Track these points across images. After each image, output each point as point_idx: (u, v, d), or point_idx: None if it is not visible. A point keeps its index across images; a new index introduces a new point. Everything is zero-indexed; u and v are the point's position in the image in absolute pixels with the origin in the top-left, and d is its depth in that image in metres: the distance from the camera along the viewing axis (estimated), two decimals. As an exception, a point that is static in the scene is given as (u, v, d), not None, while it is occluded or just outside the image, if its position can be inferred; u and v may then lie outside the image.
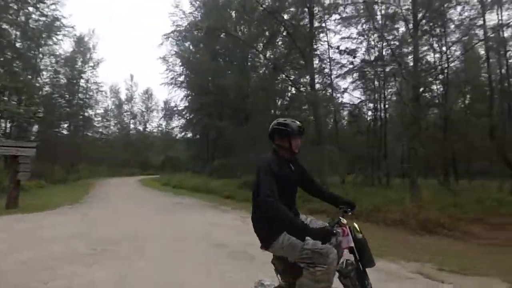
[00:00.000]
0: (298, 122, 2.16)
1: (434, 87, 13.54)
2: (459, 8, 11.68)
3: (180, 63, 23.81)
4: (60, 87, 24.77)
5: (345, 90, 14.68)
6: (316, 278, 1.85)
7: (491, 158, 11.74)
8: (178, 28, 19.32)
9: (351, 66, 13.74)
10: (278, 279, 2.19)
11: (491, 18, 11.33)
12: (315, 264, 1.86)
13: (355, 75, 14.26)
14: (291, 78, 14.35)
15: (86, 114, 29.55)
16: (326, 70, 14.50)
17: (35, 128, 21.30)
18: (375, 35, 13.37)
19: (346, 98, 29.69)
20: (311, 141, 11.35)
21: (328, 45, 14.17)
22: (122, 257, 4.56)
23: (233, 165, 15.56)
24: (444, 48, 12.62)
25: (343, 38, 14.05)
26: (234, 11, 16.10)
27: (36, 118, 17.45)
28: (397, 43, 12.46)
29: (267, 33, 14.53)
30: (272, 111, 16.12)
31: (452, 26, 12.02)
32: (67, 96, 26.07)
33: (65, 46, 29.55)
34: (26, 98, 17.68)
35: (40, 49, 20.10)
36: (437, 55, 13.10)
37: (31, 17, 17.91)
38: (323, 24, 13.85)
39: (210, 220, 7.95)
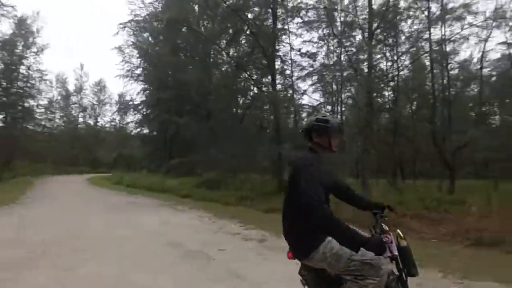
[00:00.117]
0: (337, 119, 2.02)
1: (386, 93, 14.59)
2: (409, 21, 12.77)
3: (138, 55, 22.63)
4: (-5, 73, 22.00)
5: (305, 92, 15.13)
6: None
7: (433, 160, 12.96)
8: (136, 18, 18.33)
9: (311, 69, 14.21)
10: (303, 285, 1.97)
11: (436, 33, 12.50)
12: (365, 277, 1.68)
13: (315, 78, 14.78)
14: (254, 78, 14.38)
15: (26, 104, 26.59)
16: (288, 72, 14.82)
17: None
18: (334, 40, 13.95)
19: (306, 100, 30.77)
20: (270, 140, 11.49)
21: (290, 47, 14.47)
22: (62, 261, 4.15)
23: (193, 163, 15.12)
24: (395, 57, 13.60)
25: (304, 41, 14.46)
26: (197, 5, 15.66)
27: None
28: (354, 50, 13.16)
29: (230, 31, 14.38)
30: (234, 109, 16.02)
31: (403, 38, 13.07)
32: (4, 83, 23.21)
33: (3, 27, 26.33)
34: None
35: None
36: (389, 64, 14.09)
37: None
38: (286, 27, 14.12)
39: (165, 220, 7.62)
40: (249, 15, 13.18)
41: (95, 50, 72.81)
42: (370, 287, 1.67)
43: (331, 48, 14.46)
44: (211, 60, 16.09)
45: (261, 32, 12.63)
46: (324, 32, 14.06)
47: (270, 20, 13.28)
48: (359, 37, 13.35)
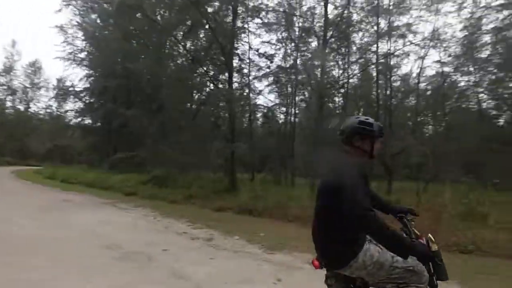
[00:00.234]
0: (378, 122, 1.86)
1: (336, 99, 15.45)
2: (360, 33, 13.74)
3: (83, 37, 20.62)
4: None
5: (260, 92, 15.29)
6: None
7: (375, 162, 14.06)
8: (84, -4, 16.64)
9: (268, 70, 14.42)
10: None
11: (383, 47, 13.63)
12: (408, 284, 1.61)
13: (271, 79, 15.02)
14: (210, 74, 14.07)
15: None
16: (245, 71, 14.82)
17: None
18: (292, 44, 14.33)
19: (261, 100, 31.19)
20: (224, 138, 11.35)
21: (249, 46, 14.50)
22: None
23: (140, 158, 14.18)
24: (346, 66, 14.47)
25: (263, 42, 14.59)
26: (153, -9, 14.78)
27: None
28: (309, 55, 13.67)
29: (188, 23, 13.87)
30: (188, 104, 15.47)
31: (354, 48, 13.99)
32: None
33: None
34: None
35: None
36: (340, 71, 14.93)
37: None
38: (246, 25, 14.10)
39: (105, 219, 7.00)
40: (209, 9, 12.86)
41: (31, 27, 64.66)
42: None
43: (288, 51, 14.82)
44: (166, 51, 15.32)
45: (220, 28, 12.41)
46: (283, 35, 14.39)
47: (230, 17, 13.13)
48: (314, 43, 13.94)
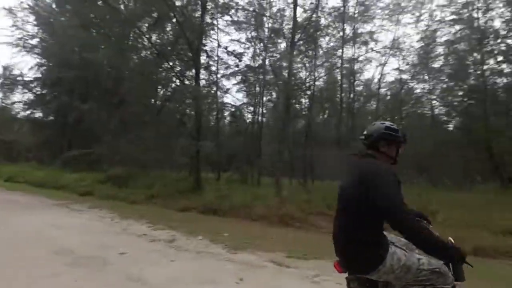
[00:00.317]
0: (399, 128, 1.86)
1: (303, 100, 15.79)
2: (327, 38, 14.19)
3: (35, 22, 18.85)
4: None
5: (227, 90, 15.16)
6: None
7: (338, 163, 14.60)
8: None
9: (236, 68, 14.32)
10: None
11: (347, 52, 14.22)
12: (435, 286, 1.61)
13: (239, 77, 14.95)
14: (177, 69, 13.60)
15: None
16: (213, 68, 14.57)
17: None
18: (261, 44, 14.37)
19: (229, 99, 31.02)
20: (190, 136, 11.04)
21: (218, 44, 14.28)
22: None
23: (98, 156, 13.21)
24: (313, 69, 14.85)
25: (232, 40, 14.53)
26: (116, -21, 13.93)
27: None
28: (277, 56, 13.81)
29: (154, 15, 13.26)
30: (153, 100, 14.81)
31: (321, 52, 14.40)
32: None
33: None
34: None
35: None
36: (307, 74, 15.30)
37: None
38: (215, 22, 13.85)
39: (56, 222, 6.44)
40: (177, 3, 12.42)
41: (-26, 8, 57.75)
42: None
43: (257, 51, 14.84)
44: (130, 43, 14.51)
45: (188, 22, 12.02)
46: (252, 34, 14.38)
47: (199, 13, 12.80)
48: (283, 45, 14.12)
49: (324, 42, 14.37)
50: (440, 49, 16.04)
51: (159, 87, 14.80)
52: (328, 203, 8.06)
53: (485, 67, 14.48)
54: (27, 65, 20.37)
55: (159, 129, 11.83)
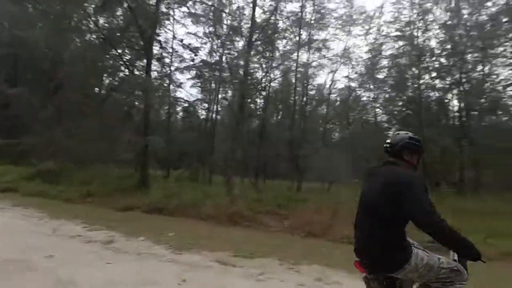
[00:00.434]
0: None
1: (258, 100, 15.93)
2: (284, 41, 14.51)
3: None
4: None
5: (181, 84, 14.58)
6: None
7: (289, 163, 15.02)
8: None
9: (191, 62, 13.85)
10: None
11: (303, 57, 14.70)
12: (453, 283, 1.77)
13: (194, 72, 14.50)
14: (126, 58, 12.65)
15: None
16: (167, 60, 13.90)
17: None
18: (218, 40, 14.11)
19: (183, 93, 30.04)
20: (138, 130, 10.34)
21: (173, 36, 13.66)
22: None
23: (25, 147, 11.52)
24: (269, 70, 15.06)
25: (189, 33, 13.96)
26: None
27: None
28: (235, 54, 13.69)
29: (103, -4, 12.14)
30: (97, 89, 13.56)
31: (277, 54, 14.67)
32: None
33: None
34: None
35: None
36: (263, 74, 15.44)
37: None
38: (171, 12, 13.22)
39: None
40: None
41: None
42: None
43: (214, 47, 14.56)
44: (72, 23, 13.08)
45: (141, 9, 11.25)
46: (210, 29, 14.05)
47: (154, 0, 12.08)
48: (242, 43, 14.06)
49: (281, 44, 14.69)
50: (384, 62, 17.56)
51: (105, 75, 13.60)
52: (278, 203, 8.21)
53: (421, 81, 16.22)
54: None
55: (102, 121, 10.81)
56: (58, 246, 4.46)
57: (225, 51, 13.37)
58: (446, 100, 16.43)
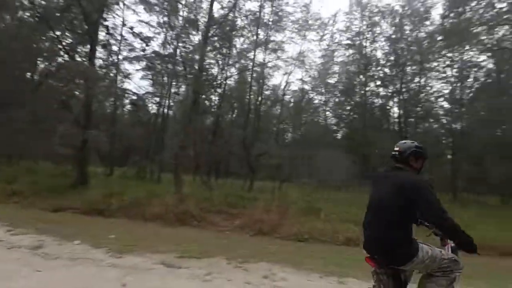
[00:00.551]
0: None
1: (213, 97, 15.65)
2: (241, 39, 14.44)
3: None
4: None
5: (128, 76, 13.66)
6: (454, 282, 2.04)
7: (242, 162, 15.01)
8: None
9: (142, 53, 13.04)
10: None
11: (259, 57, 14.82)
12: (452, 271, 2.03)
13: (145, 63, 13.67)
14: (66, 41, 11.37)
15: None
16: (115, 48, 12.86)
17: None
18: (173, 32, 13.50)
19: (132, 85, 28.20)
20: (77, 122, 9.35)
21: (123, 22, 12.70)
22: None
23: None
24: (225, 67, 14.88)
25: (141, 21, 13.11)
26: None
27: None
28: (190, 48, 13.21)
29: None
30: (29, 74, 11.93)
31: (234, 51, 14.56)
32: None
33: None
34: None
35: None
36: (219, 71, 15.22)
37: None
38: (121, -4, 12.23)
39: None
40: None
41: None
42: (456, 278, 2.05)
43: (169, 38, 13.89)
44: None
45: (85, -11, 10.20)
46: (164, 19, 13.36)
47: (103, -18, 11.05)
48: (198, 37, 13.61)
49: (238, 42, 14.60)
50: (336, 68, 18.59)
51: (40, 59, 12.04)
52: (230, 202, 8.12)
53: (367, 88, 17.56)
54: None
55: (35, 110, 9.48)
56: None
57: (180, 44, 12.84)
58: (388, 107, 18.06)
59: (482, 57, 14.14)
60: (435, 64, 15.56)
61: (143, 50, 13.01)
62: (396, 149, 2.22)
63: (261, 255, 4.60)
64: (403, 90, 16.56)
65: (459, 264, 2.08)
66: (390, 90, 17.45)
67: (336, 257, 4.78)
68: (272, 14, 14.84)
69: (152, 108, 15.65)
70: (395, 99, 17.42)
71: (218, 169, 15.70)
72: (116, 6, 12.27)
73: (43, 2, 11.40)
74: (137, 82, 28.10)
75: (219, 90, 14.56)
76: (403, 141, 2.29)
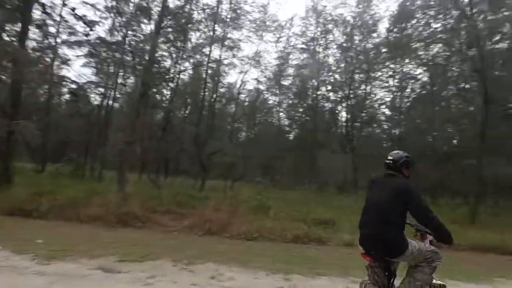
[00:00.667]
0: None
1: (164, 91, 14.91)
2: (197, 33, 14.00)
3: None
4: None
5: (68, 61, 12.31)
6: (435, 270, 2.39)
7: (194, 160, 14.58)
8: None
9: (85, 38, 11.84)
10: (374, 279, 2.40)
11: (215, 53, 14.53)
12: (434, 261, 2.37)
13: (87, 50, 12.44)
14: (-9, 18, 9.80)
15: None
16: (52, 30, 11.46)
17: None
18: (122, 18, 12.54)
19: (71, 73, 25.57)
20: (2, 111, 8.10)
21: (63, 1, 11.39)
22: None
23: None
24: (179, 61, 14.29)
25: (85, 2, 11.89)
26: None
27: None
28: (141, 37, 12.41)
29: None
30: None
31: (189, 45, 14.04)
32: None
33: None
34: None
35: None
36: (172, 64, 14.57)
37: None
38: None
39: None
40: None
41: None
42: (437, 266, 2.39)
43: (117, 25, 12.85)
44: None
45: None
46: (113, 4, 12.31)
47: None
48: (151, 27, 12.82)
49: (194, 36, 14.14)
50: (290, 70, 19.15)
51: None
52: (179, 201, 7.79)
53: (319, 92, 18.42)
54: None
55: None
56: None
57: (130, 32, 11.98)
58: (336, 111, 19.21)
59: (419, 70, 15.85)
60: (379, 73, 16.99)
61: (86, 35, 11.83)
62: (390, 158, 2.54)
63: (209, 255, 4.49)
64: (351, 96, 17.77)
65: (439, 255, 2.42)
66: (339, 95, 18.58)
67: (284, 255, 4.88)
68: (230, 11, 14.69)
69: (95, 99, 14.32)
70: (344, 104, 18.60)
71: (167, 167, 15.03)
72: (55, -18, 10.97)
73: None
74: (77, 69, 25.57)
75: (171, 84, 13.94)
76: (396, 152, 2.60)
